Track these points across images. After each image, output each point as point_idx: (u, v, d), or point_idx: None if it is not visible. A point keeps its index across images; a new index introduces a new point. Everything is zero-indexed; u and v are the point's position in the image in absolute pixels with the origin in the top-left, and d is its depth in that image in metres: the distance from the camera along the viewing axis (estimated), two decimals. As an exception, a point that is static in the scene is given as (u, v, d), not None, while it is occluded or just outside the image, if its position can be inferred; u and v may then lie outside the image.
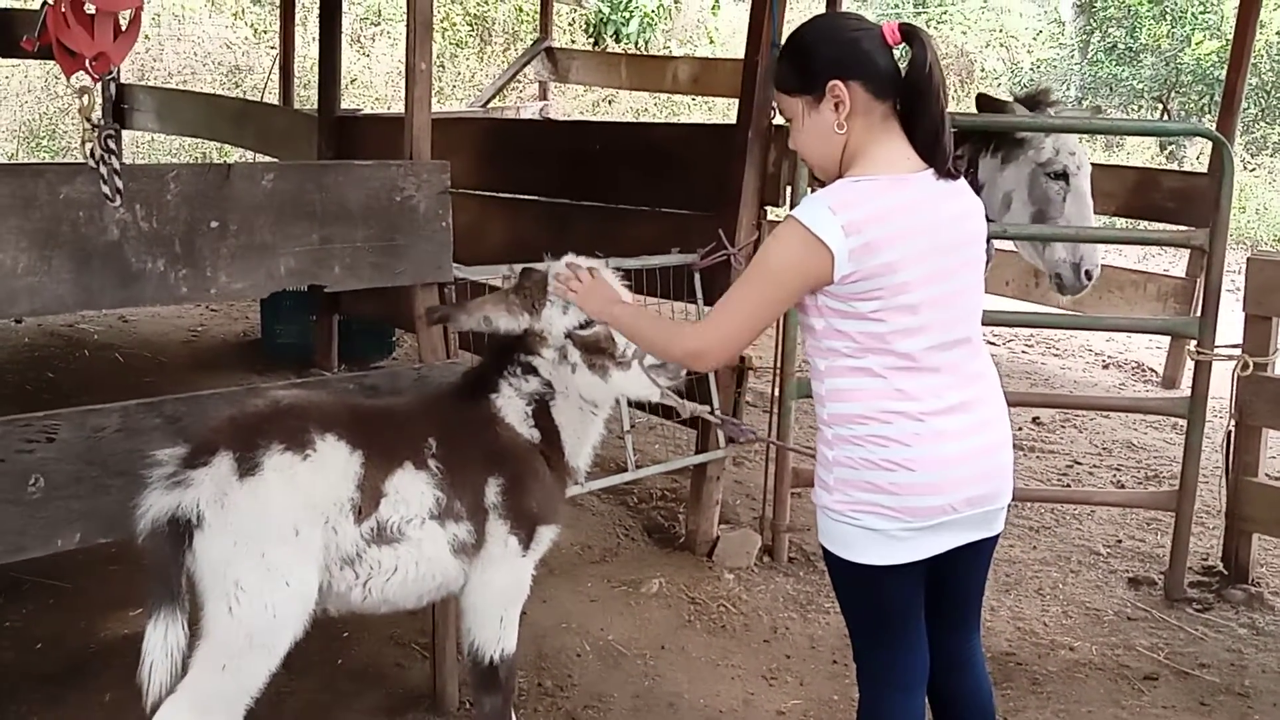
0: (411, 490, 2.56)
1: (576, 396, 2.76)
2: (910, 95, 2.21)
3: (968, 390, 2.26)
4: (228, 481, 2.38)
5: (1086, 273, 4.16)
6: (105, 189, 2.40)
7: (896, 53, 2.23)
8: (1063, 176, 4.11)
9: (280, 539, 2.39)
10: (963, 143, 4.35)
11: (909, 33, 2.20)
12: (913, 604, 2.32)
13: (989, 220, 4.18)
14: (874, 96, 2.20)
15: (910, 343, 2.18)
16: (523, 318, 2.72)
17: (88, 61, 2.28)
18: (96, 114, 2.33)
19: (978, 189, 4.26)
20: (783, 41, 2.36)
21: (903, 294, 2.16)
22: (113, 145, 2.37)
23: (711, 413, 3.31)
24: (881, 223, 2.14)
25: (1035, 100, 4.13)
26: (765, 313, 2.26)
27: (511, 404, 2.75)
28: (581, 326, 2.71)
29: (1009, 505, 2.37)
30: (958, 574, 2.39)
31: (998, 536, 2.39)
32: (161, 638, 2.34)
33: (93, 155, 2.37)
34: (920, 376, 2.20)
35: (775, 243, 2.21)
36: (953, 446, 2.22)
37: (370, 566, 2.54)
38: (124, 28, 2.34)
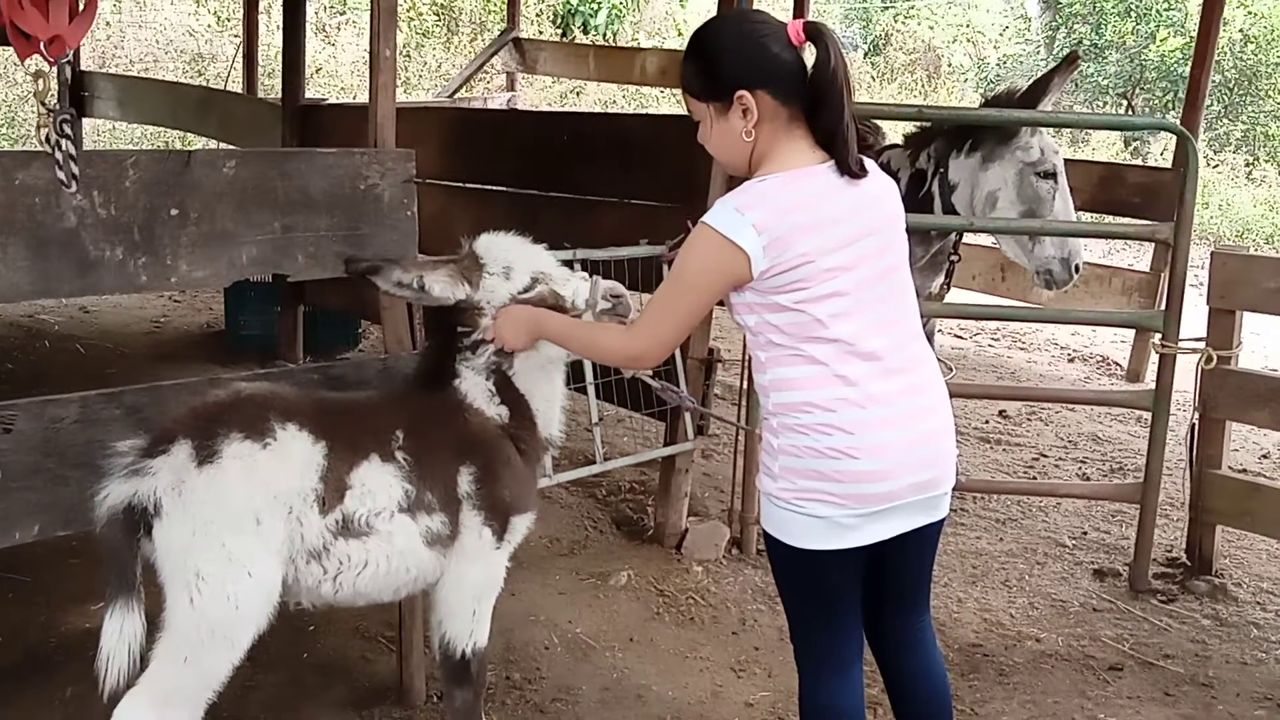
0: (378, 483, 2.51)
1: (537, 355, 2.70)
2: (813, 96, 2.24)
3: (909, 376, 2.29)
4: (185, 469, 2.34)
5: (1076, 267, 4.20)
6: (61, 175, 2.35)
7: (802, 51, 2.25)
8: (1052, 176, 4.13)
9: (241, 528, 2.35)
10: (932, 140, 4.35)
11: (814, 33, 2.22)
12: (852, 587, 2.36)
13: (955, 213, 4.25)
14: (780, 102, 2.24)
15: (843, 327, 2.21)
16: (461, 288, 2.65)
17: (42, 44, 2.23)
18: (52, 98, 2.28)
19: (950, 188, 4.26)
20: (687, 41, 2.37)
21: (828, 281, 2.20)
22: (69, 130, 2.31)
23: (653, 376, 3.33)
24: (791, 215, 2.18)
25: (1032, 96, 4.12)
26: (692, 315, 2.34)
27: (474, 385, 2.69)
28: (525, 290, 2.67)
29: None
30: (904, 559, 2.42)
31: (943, 520, 2.42)
32: (118, 630, 2.30)
33: (48, 140, 2.31)
34: (861, 363, 2.22)
35: (691, 251, 2.27)
36: (896, 433, 2.24)
37: (339, 561, 2.49)
38: (80, 9, 2.29)
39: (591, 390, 4.04)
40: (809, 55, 2.24)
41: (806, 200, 2.20)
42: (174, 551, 2.34)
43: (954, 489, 2.44)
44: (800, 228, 2.18)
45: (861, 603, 2.42)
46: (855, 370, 2.22)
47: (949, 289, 4.60)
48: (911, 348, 2.32)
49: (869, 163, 2.31)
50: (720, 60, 2.26)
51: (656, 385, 3.29)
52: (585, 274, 2.82)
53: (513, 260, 2.69)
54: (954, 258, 4.45)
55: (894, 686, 2.56)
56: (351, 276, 2.66)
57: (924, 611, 2.55)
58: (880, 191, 2.32)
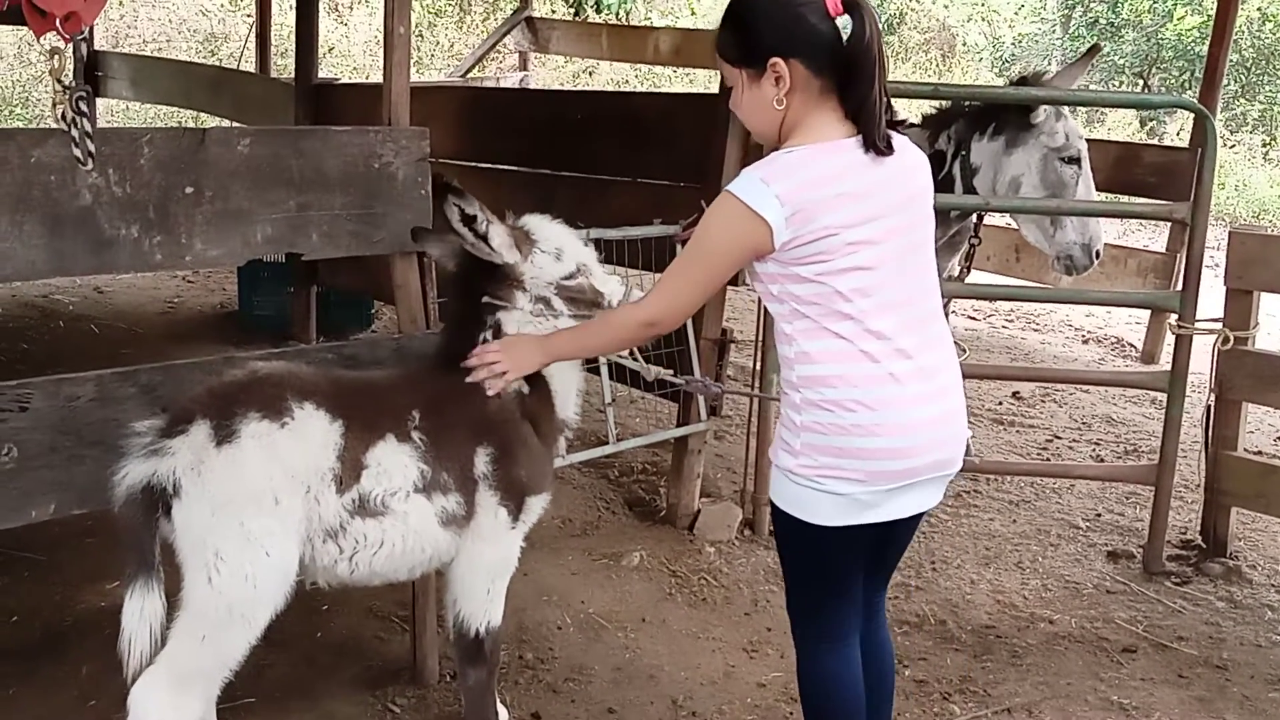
0: (394, 463, 2.52)
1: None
2: (847, 68, 2.22)
3: (930, 355, 2.30)
4: (204, 449, 2.34)
5: (1096, 252, 4.19)
6: (77, 152, 2.34)
7: (838, 22, 2.22)
8: (1076, 161, 4.11)
9: (259, 508, 2.36)
10: (952, 121, 4.32)
11: (851, 4, 2.21)
12: (860, 563, 2.40)
13: (975, 193, 4.22)
14: (813, 73, 2.23)
15: (868, 303, 2.22)
16: (514, 254, 2.66)
17: (58, 21, 2.21)
18: (68, 75, 2.27)
19: (972, 171, 4.24)
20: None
21: (851, 254, 2.20)
22: (84, 107, 2.30)
23: (675, 375, 3.32)
24: (816, 188, 2.18)
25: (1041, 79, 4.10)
26: (709, 283, 2.35)
27: None
28: (569, 277, 2.68)
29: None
30: (904, 535, 2.48)
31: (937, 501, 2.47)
32: (139, 609, 2.31)
33: (64, 118, 2.30)
34: (884, 340, 2.23)
35: (713, 219, 2.27)
36: (918, 411, 2.26)
37: (355, 540, 2.50)
38: (96, -13, 2.27)
39: (604, 370, 4.04)
40: (845, 29, 2.22)
41: (833, 174, 2.20)
42: (193, 531, 2.35)
43: (967, 470, 2.45)
44: (825, 201, 2.18)
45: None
46: (878, 347, 2.22)
47: (969, 271, 4.58)
48: (930, 327, 2.32)
49: (898, 138, 2.30)
50: (756, 27, 2.25)
51: (679, 380, 3.29)
52: (621, 275, 2.83)
53: (563, 245, 2.72)
54: (974, 240, 4.43)
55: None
56: (436, 194, 2.66)
57: (886, 582, 2.63)
58: (910, 165, 2.32)
